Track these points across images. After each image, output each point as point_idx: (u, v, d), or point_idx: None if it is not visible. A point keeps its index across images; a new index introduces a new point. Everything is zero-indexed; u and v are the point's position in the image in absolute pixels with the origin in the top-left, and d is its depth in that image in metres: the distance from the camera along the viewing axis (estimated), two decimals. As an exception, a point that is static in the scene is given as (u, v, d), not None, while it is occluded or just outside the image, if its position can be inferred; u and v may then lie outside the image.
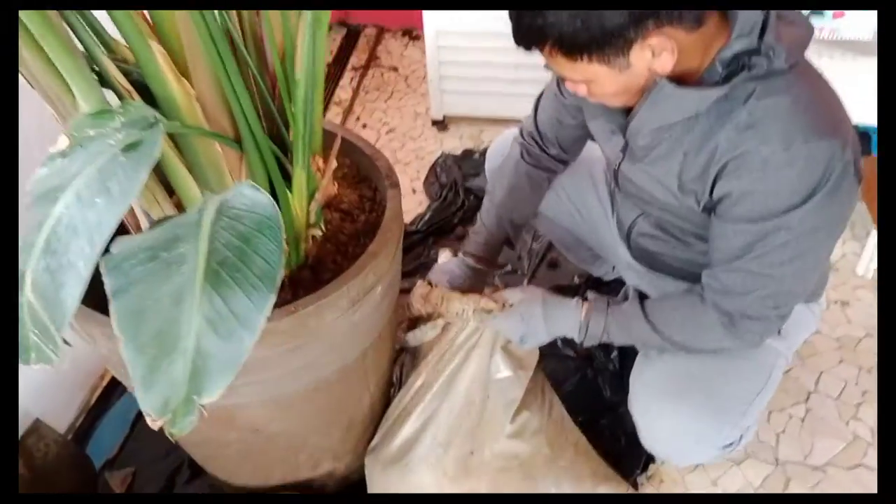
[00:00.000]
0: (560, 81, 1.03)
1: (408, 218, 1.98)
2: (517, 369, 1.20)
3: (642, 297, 1.13)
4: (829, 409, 1.48)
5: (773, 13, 0.87)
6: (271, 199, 0.63)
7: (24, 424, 1.32)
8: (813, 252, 0.96)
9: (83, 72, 0.72)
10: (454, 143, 2.25)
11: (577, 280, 1.74)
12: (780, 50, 0.86)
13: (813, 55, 1.74)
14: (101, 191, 0.66)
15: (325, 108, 2.43)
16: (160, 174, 0.89)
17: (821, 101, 0.91)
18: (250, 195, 0.64)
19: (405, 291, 1.77)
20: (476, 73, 2.10)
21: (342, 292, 0.92)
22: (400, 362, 1.62)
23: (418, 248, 1.87)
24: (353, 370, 1.06)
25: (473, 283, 1.31)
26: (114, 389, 1.54)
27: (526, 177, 1.31)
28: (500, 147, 1.42)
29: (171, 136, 0.84)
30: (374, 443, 1.23)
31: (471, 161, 2.10)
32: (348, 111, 2.42)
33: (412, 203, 2.05)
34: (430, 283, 1.27)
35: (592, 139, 1.28)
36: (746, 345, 1.05)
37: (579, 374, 1.55)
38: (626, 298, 1.19)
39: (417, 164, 2.19)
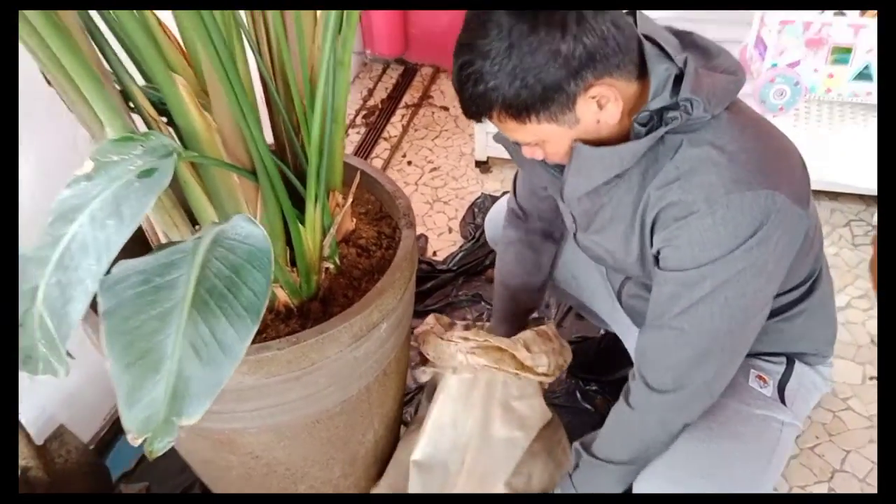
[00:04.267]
0: (517, 149, 1.02)
1: (441, 256, 2.00)
2: (516, 429, 1.20)
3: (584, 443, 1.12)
4: (853, 490, 1.42)
5: (691, 66, 0.86)
6: (264, 232, 0.66)
7: (48, 429, 1.37)
8: (738, 308, 0.92)
9: (108, 100, 0.76)
10: (495, 185, 2.27)
11: (601, 331, 1.72)
12: (697, 101, 0.84)
13: (858, 120, 1.72)
14: (114, 213, 0.70)
15: (374, 143, 2.48)
16: (183, 200, 0.94)
17: (751, 149, 0.88)
18: (245, 227, 0.67)
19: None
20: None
21: (345, 327, 0.94)
22: (416, 402, 1.63)
23: (447, 286, 1.88)
24: (355, 405, 1.07)
25: None
26: (138, 402, 1.58)
27: (520, 244, 1.31)
28: (496, 216, 1.42)
29: (193, 165, 0.88)
30: (379, 483, 1.24)
31: (509, 204, 2.11)
32: (396, 147, 2.47)
33: (447, 242, 2.07)
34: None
35: None
36: (688, 418, 1.01)
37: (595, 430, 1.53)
38: None
39: (456, 203, 2.21)
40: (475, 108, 0.87)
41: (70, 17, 0.76)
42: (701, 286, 0.90)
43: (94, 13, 0.85)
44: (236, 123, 0.83)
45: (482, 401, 1.20)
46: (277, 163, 0.97)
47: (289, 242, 0.97)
